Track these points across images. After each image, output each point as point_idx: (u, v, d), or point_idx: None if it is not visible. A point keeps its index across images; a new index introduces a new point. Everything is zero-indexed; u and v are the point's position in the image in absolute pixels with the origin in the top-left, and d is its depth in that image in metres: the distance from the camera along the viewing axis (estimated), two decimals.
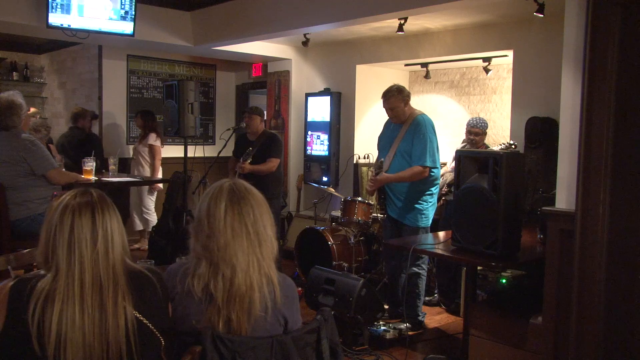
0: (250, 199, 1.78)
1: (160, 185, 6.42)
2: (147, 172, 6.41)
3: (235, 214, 1.73)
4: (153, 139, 6.37)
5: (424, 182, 4.11)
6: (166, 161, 7.00)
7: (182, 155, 5.37)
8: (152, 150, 6.37)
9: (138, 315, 1.55)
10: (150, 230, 6.39)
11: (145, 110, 6.61)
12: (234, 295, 1.70)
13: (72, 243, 1.50)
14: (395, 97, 4.15)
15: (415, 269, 4.13)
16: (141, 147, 6.45)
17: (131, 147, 6.92)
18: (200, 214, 1.77)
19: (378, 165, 4.25)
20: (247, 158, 4.96)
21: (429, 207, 4.20)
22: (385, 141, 4.36)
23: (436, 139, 4.14)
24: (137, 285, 1.59)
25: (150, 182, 6.26)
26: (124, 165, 6.63)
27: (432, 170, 4.09)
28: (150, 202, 6.54)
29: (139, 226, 6.58)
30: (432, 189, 4.19)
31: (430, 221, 4.25)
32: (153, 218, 6.49)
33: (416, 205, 4.15)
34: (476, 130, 4.81)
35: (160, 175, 6.43)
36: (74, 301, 1.46)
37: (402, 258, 4.11)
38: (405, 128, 4.16)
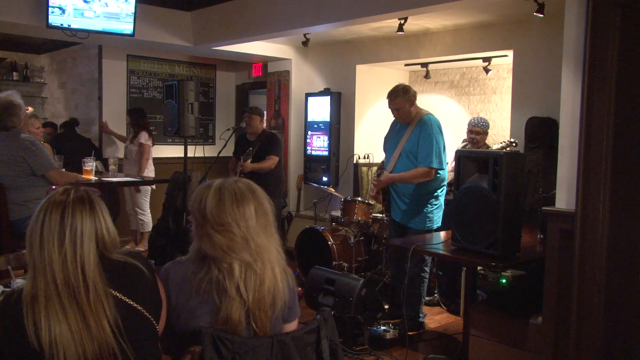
0: (264, 196, 1.84)
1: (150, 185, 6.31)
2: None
3: (262, 213, 1.78)
4: (144, 138, 6.22)
5: (430, 183, 4.01)
6: (166, 161, 7.00)
7: (182, 155, 5.37)
8: (141, 149, 6.21)
9: (131, 303, 1.54)
10: (145, 231, 6.36)
11: (135, 109, 6.52)
12: (263, 293, 1.72)
13: (43, 243, 1.48)
14: (400, 97, 4.05)
15: (418, 271, 4.09)
16: (132, 146, 6.31)
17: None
18: (220, 217, 1.73)
19: (380, 166, 4.19)
20: (247, 158, 5.02)
21: (435, 209, 4.09)
22: (391, 142, 4.26)
23: (443, 139, 4.04)
24: (125, 275, 1.57)
25: (150, 182, 6.24)
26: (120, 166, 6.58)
27: (438, 171, 3.98)
28: (144, 202, 6.39)
29: (134, 225, 6.48)
30: (439, 191, 4.09)
31: (437, 224, 4.12)
32: (147, 219, 6.39)
33: (422, 209, 4.06)
34: (477, 130, 4.81)
35: (152, 174, 6.32)
36: (54, 303, 1.45)
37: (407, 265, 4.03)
38: (411, 128, 4.06)
